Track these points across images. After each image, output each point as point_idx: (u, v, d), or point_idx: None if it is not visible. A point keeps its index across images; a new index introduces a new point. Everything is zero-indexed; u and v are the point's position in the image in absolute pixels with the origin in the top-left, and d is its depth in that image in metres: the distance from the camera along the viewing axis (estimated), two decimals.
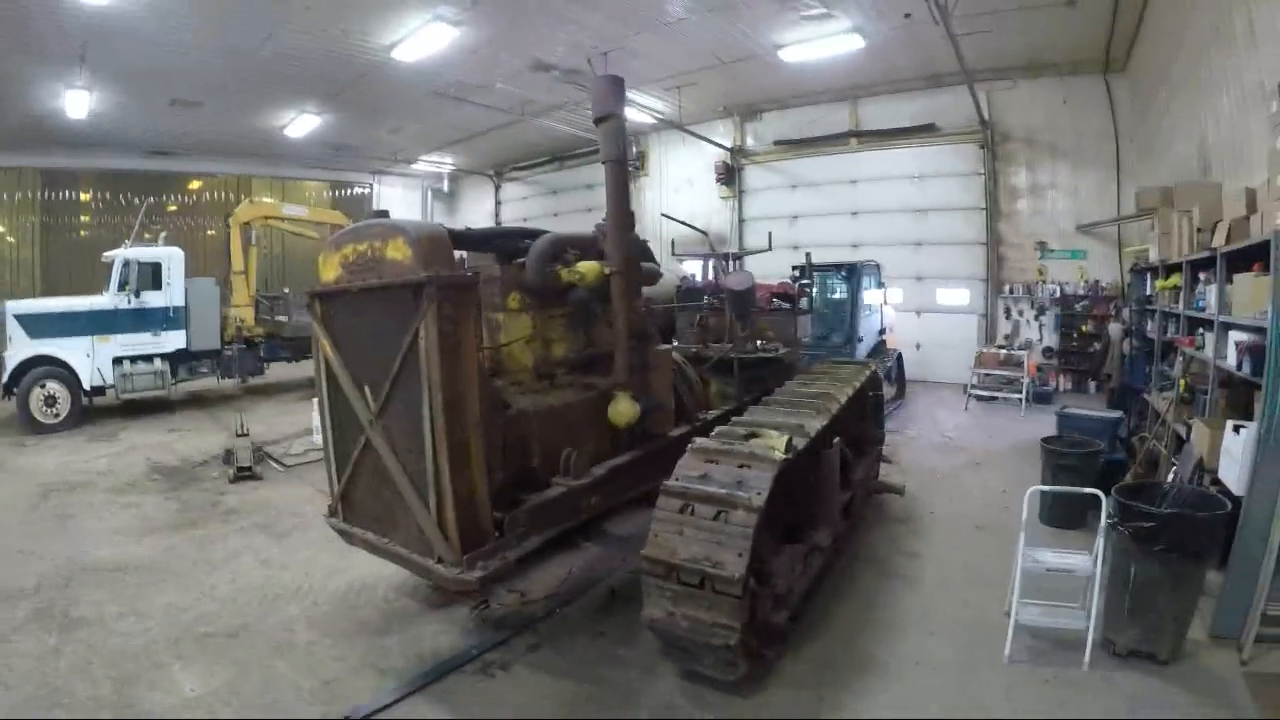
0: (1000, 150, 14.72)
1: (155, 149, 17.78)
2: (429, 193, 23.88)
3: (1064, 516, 6.13)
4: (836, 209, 16.35)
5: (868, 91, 15.50)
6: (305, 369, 14.90)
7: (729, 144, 17.45)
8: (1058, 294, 14.03)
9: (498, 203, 23.44)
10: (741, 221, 17.56)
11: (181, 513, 6.88)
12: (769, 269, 16.02)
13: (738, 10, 11.18)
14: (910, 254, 15.75)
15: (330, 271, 3.99)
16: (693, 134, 16.65)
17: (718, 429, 4.35)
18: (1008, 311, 14.88)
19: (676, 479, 3.81)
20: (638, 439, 4.85)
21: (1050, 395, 12.78)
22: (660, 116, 16.06)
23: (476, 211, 24.08)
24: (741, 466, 3.76)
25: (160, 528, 6.43)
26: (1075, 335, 13.79)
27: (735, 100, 16.41)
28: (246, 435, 8.90)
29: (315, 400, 9.18)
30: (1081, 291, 13.88)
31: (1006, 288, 14.83)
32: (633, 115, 16.20)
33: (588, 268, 4.04)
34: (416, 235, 3.59)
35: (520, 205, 22.88)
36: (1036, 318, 14.48)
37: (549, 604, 4.84)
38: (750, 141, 17.35)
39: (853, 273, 12.56)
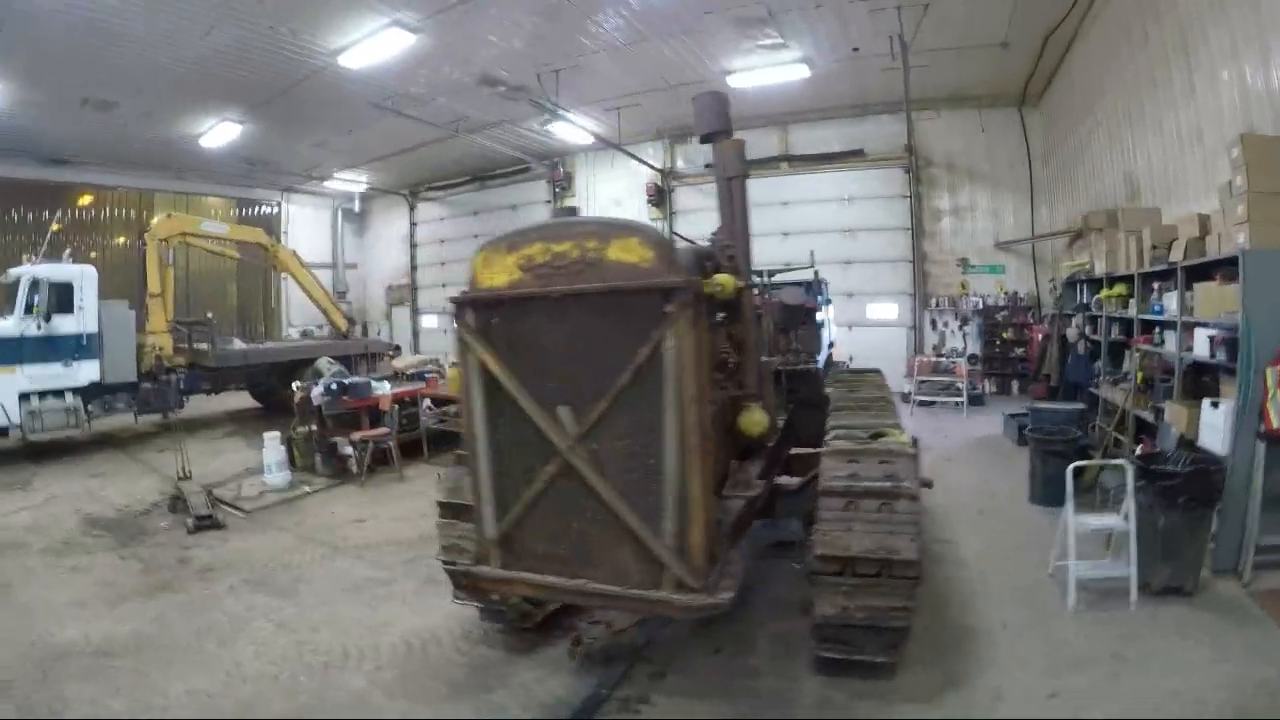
0: (924, 174, 15.70)
1: (54, 157, 15.59)
2: (339, 213, 22.49)
3: (1052, 495, 6.47)
4: (768, 230, 16.66)
5: (799, 117, 16.08)
6: (226, 402, 13.64)
7: (659, 165, 17.59)
8: (980, 306, 15.16)
9: (412, 224, 22.38)
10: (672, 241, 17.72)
11: (147, 574, 5.91)
12: None
13: (697, 36, 11.33)
14: (840, 272, 16.38)
15: (500, 275, 3.41)
16: (631, 155, 16.62)
17: (834, 433, 4.43)
18: (934, 323, 15.86)
19: (831, 480, 3.87)
20: (758, 448, 4.67)
21: (982, 398, 13.68)
22: (595, 136, 15.98)
23: (389, 232, 22.95)
24: (883, 462, 3.97)
25: (130, 595, 5.46)
26: (997, 343, 14.95)
27: (669, 123, 16.53)
28: (189, 478, 7.98)
29: (267, 436, 8.57)
30: (1001, 303, 15.08)
31: (933, 301, 15.80)
32: (564, 134, 16.05)
33: (725, 280, 3.87)
34: (655, 236, 3.29)
35: (437, 226, 21.97)
36: (961, 328, 15.51)
37: (643, 629, 4.53)
38: (680, 163, 17.59)
39: (810, 287, 12.88)
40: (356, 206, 22.57)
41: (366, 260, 23.53)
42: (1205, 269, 6.22)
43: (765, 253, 16.19)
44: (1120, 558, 5.05)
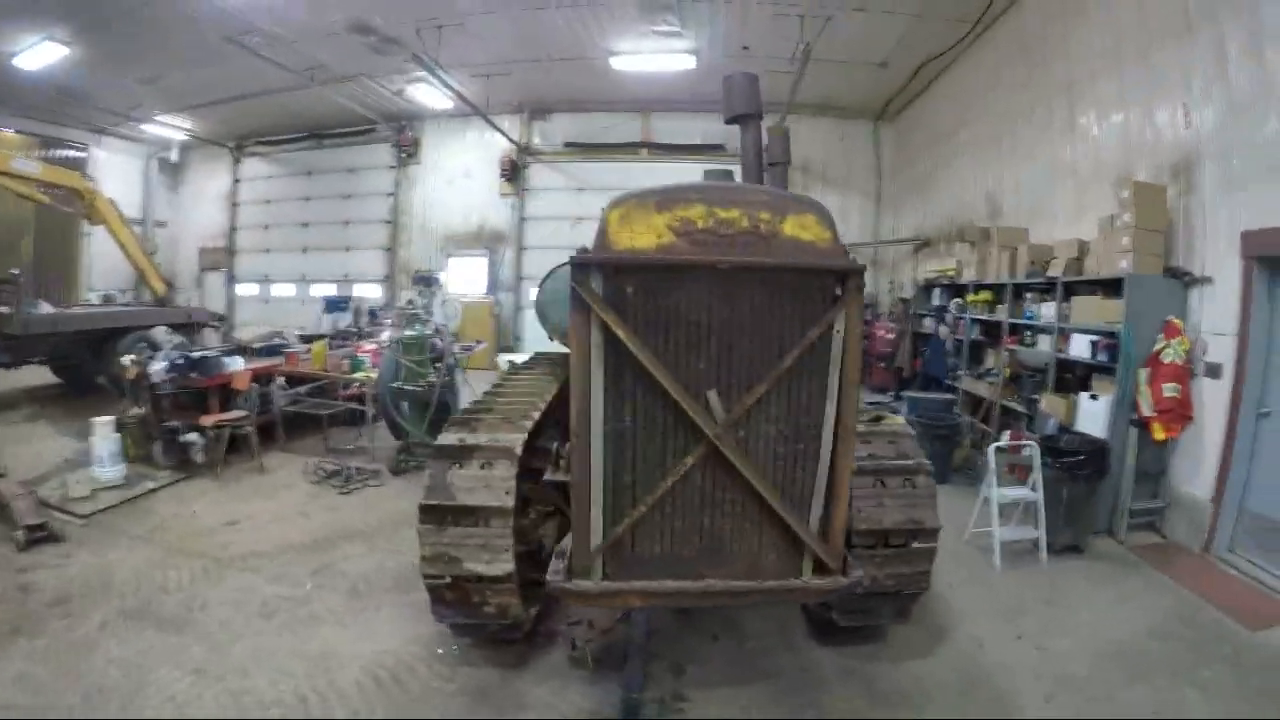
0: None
1: None
2: (153, 162, 19.07)
3: (938, 474, 6.95)
4: None
5: (664, 106, 16.14)
6: (27, 377, 11.18)
7: (516, 140, 16.89)
8: None
9: (235, 180, 19.53)
10: (523, 220, 17.18)
11: None
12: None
13: (596, 10, 10.95)
14: None
15: (645, 236, 3.00)
16: (496, 128, 15.74)
17: None
18: None
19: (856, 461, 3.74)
20: None
21: None
22: (464, 101, 15.05)
23: (208, 188, 19.87)
24: (891, 442, 4.26)
25: None
26: None
27: (533, 97, 15.94)
28: (4, 475, 6.49)
29: (97, 421, 7.11)
30: None
31: None
32: (423, 97, 14.97)
33: None
34: (829, 215, 3.13)
35: (263, 185, 19.35)
36: None
37: (632, 626, 4.31)
38: (537, 140, 17.05)
39: None
40: (174, 156, 19.29)
41: (179, 218, 20.24)
42: (1079, 285, 7.17)
43: None
44: (1027, 523, 6.12)
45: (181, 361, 7.86)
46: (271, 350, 9.62)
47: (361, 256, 18.50)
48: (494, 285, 17.13)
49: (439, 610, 3.95)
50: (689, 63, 12.64)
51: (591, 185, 16.63)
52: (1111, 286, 6.64)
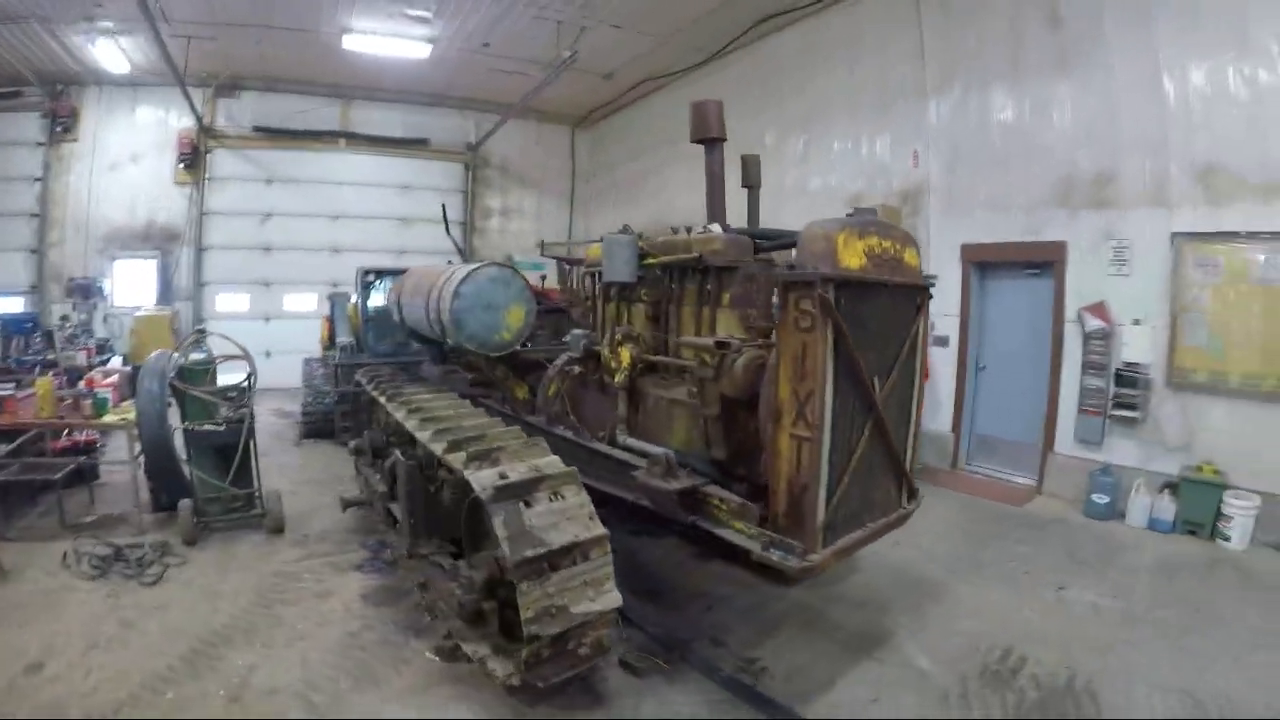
0: (480, 174, 16.57)
1: None
2: None
3: None
4: (317, 210, 15.02)
5: (366, 95, 14.86)
6: None
7: (197, 119, 13.68)
8: None
9: None
10: (203, 214, 14.01)
11: None
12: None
13: None
14: (392, 261, 15.96)
15: (853, 259, 3.49)
16: (189, 101, 12.42)
17: None
18: None
19: None
20: None
21: None
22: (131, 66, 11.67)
23: None
24: None
25: None
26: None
27: (229, 69, 13.07)
28: None
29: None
30: None
31: None
32: (96, 54, 11.47)
33: None
34: (918, 245, 3.97)
35: None
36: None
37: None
38: (222, 120, 14.01)
39: None
40: None
41: None
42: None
43: (313, 235, 14.84)
44: None
45: None
46: None
47: None
48: (168, 293, 13.50)
49: (539, 675, 3.45)
50: (423, 51, 11.90)
51: (283, 176, 14.42)
52: None
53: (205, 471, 6.29)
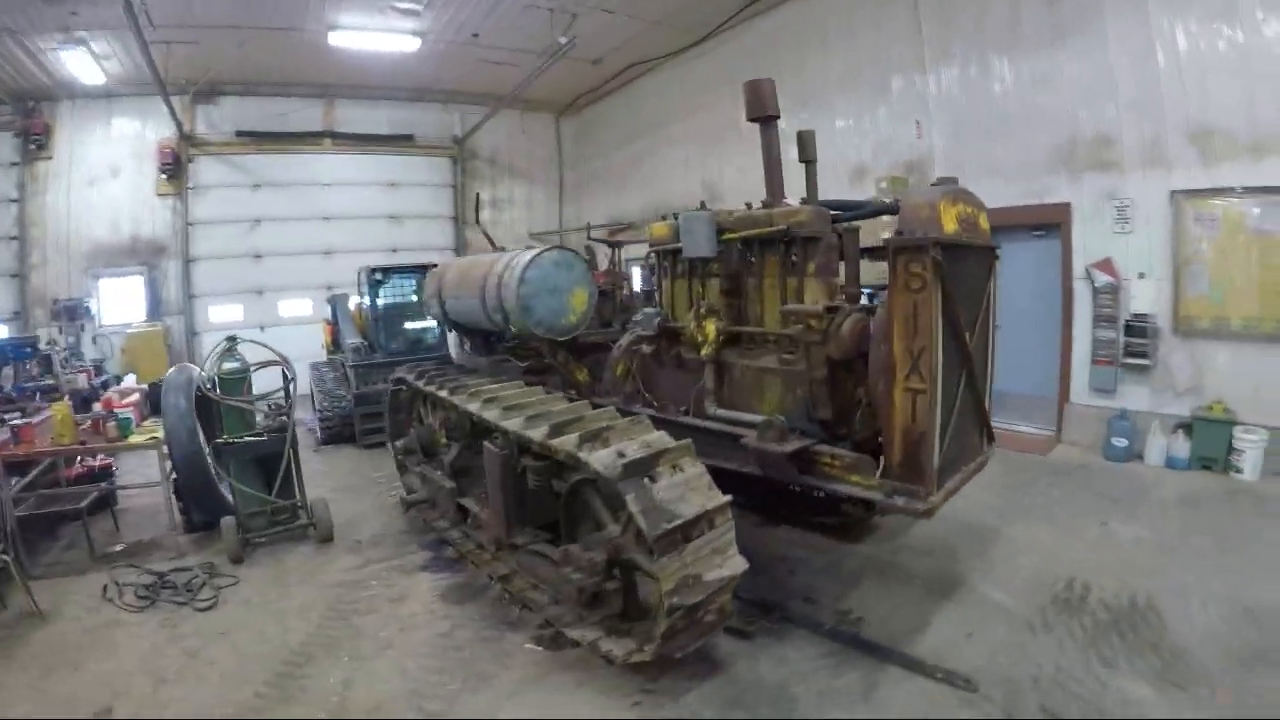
0: (468, 166, 16.53)
1: None
2: None
3: None
4: (307, 213, 14.87)
5: (349, 93, 14.71)
6: None
7: (178, 128, 13.36)
8: None
9: None
10: (189, 225, 13.72)
11: None
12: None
13: None
14: (385, 260, 15.88)
15: (950, 223, 3.77)
16: (170, 109, 12.12)
17: None
18: None
19: None
20: None
21: None
22: (107, 77, 11.34)
23: None
24: None
25: None
26: None
27: (208, 75, 12.69)
28: None
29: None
30: None
31: None
32: (70, 66, 11.33)
33: None
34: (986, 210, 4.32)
35: None
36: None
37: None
38: (203, 128, 13.69)
39: None
40: None
41: None
42: None
43: (304, 239, 14.67)
44: None
45: None
46: None
47: None
48: (157, 308, 13.20)
49: (675, 646, 3.67)
50: (412, 45, 11.84)
51: (270, 181, 14.23)
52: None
53: (246, 484, 6.16)
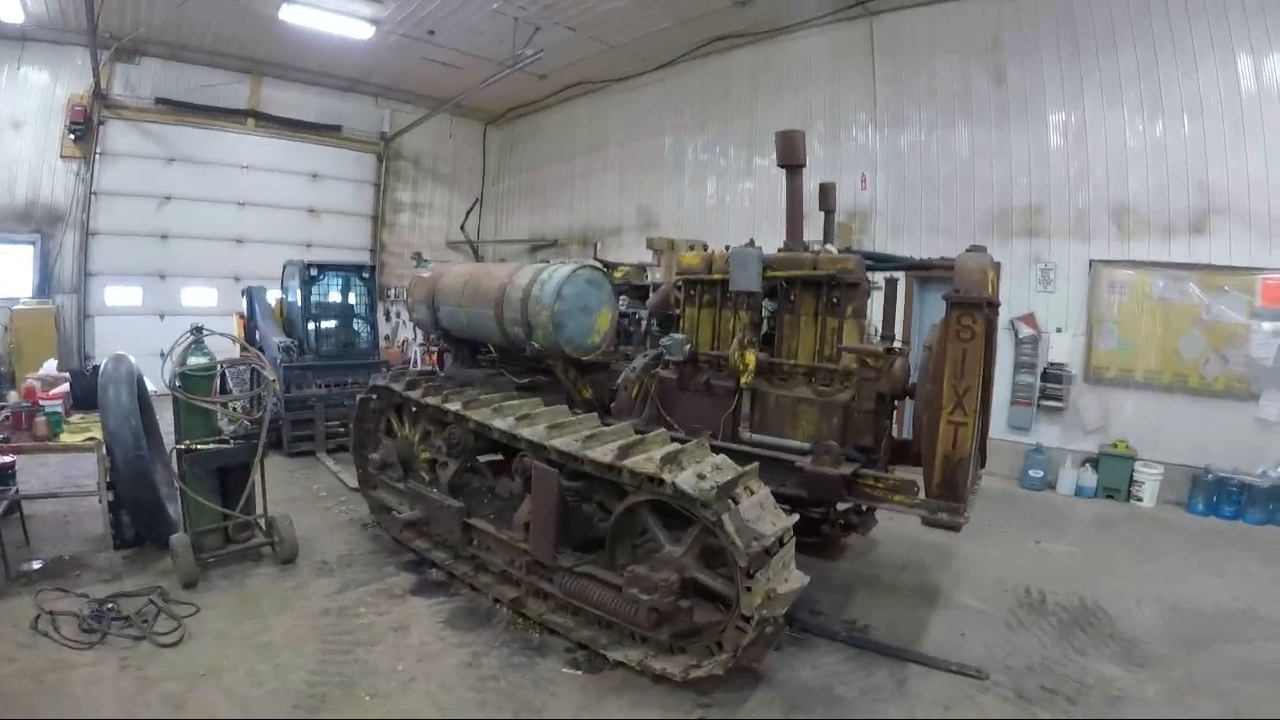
0: (393, 166, 15.99)
1: None
2: None
3: None
4: (221, 196, 13.77)
5: (279, 73, 13.84)
6: None
7: (91, 85, 11.94)
8: None
9: None
10: (93, 194, 12.26)
11: None
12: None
13: None
14: (299, 254, 15.02)
15: (992, 284, 4.36)
16: (93, 59, 10.87)
17: None
18: (388, 314, 16.17)
19: None
20: None
21: None
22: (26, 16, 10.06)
23: None
24: None
25: None
26: None
27: (133, 27, 11.36)
28: None
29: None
30: None
31: (390, 292, 15.92)
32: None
33: None
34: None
35: None
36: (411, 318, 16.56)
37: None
38: (119, 89, 12.33)
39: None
40: None
41: None
42: None
43: (215, 223, 13.86)
44: None
45: None
46: None
47: None
48: (46, 284, 11.64)
49: (750, 656, 3.91)
50: (366, 32, 11.42)
51: (185, 156, 13.07)
52: None
53: (202, 496, 5.36)
